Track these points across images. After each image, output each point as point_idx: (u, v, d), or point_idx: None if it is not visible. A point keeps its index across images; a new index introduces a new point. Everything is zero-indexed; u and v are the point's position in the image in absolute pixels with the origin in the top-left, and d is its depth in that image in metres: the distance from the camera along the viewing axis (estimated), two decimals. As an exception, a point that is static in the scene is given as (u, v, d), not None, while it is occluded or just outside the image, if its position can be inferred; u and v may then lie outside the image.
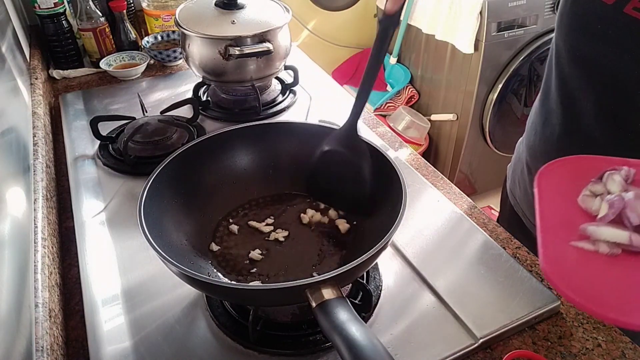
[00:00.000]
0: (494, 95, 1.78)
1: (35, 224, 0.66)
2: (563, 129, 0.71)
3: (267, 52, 0.94)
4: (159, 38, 1.25)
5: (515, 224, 0.86)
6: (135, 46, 1.26)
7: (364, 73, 0.60)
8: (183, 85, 1.14)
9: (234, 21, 0.94)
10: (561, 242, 0.42)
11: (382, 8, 0.55)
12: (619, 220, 0.42)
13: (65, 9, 1.18)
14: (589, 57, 0.65)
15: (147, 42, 1.23)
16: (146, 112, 0.97)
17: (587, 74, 0.66)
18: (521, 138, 0.87)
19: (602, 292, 0.37)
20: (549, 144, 0.74)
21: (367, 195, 0.65)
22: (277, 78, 1.12)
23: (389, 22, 0.56)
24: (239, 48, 0.92)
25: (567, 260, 0.40)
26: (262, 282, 0.61)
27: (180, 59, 1.23)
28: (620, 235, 0.41)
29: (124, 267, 0.67)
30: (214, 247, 0.65)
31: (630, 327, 0.35)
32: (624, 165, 0.47)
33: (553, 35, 0.72)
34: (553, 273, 0.39)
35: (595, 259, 0.40)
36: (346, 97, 1.11)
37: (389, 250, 0.70)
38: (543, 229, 0.43)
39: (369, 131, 0.98)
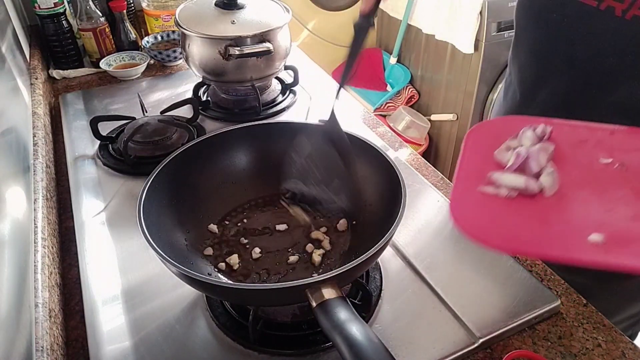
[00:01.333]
0: (494, 95, 1.77)
1: (35, 224, 0.66)
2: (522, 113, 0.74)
3: (267, 52, 0.94)
4: (159, 38, 1.25)
5: None
6: (135, 46, 1.26)
7: (344, 65, 0.60)
8: (183, 85, 1.14)
9: (234, 21, 0.94)
10: (471, 187, 0.48)
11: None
12: (524, 168, 0.48)
13: (65, 9, 1.18)
14: (546, 46, 0.68)
15: (147, 42, 1.23)
16: (146, 112, 0.97)
17: (542, 63, 0.69)
18: None
19: (493, 225, 0.44)
20: None
21: (358, 192, 0.65)
22: (277, 78, 1.12)
23: (364, 22, 0.59)
24: (239, 48, 0.92)
25: (471, 202, 0.47)
26: (262, 282, 0.61)
27: (180, 59, 1.23)
28: (517, 180, 0.47)
29: (124, 267, 0.67)
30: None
31: (507, 252, 0.43)
32: (546, 124, 0.53)
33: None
34: (456, 213, 0.45)
35: (495, 200, 0.47)
36: (346, 96, 1.11)
37: (389, 250, 0.70)
38: (458, 178, 0.49)
39: (369, 131, 0.98)
